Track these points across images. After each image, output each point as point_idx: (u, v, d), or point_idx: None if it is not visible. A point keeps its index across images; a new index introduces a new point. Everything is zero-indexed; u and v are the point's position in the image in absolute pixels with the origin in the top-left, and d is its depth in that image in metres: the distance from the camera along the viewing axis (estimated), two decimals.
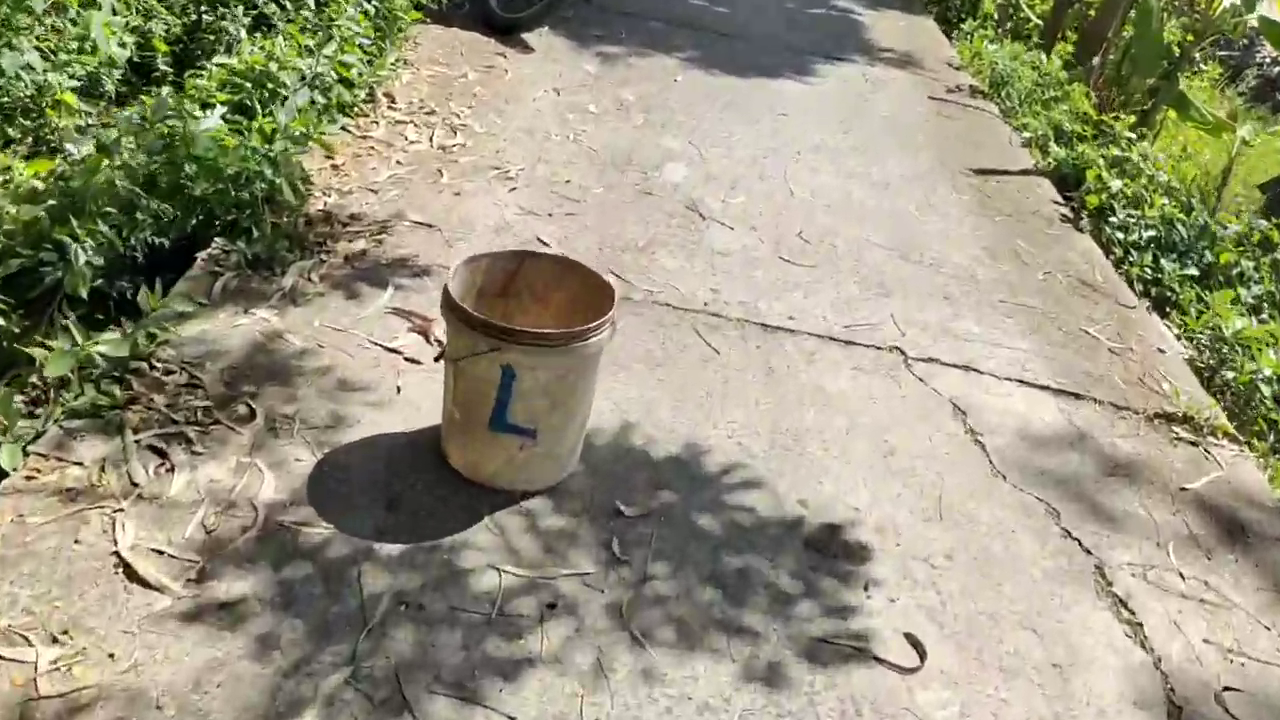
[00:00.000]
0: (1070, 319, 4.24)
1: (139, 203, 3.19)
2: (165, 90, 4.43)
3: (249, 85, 4.39)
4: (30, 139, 3.85)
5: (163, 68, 4.71)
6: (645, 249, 4.09)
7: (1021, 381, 3.72)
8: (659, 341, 3.51)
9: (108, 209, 3.12)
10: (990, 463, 3.26)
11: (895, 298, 4.10)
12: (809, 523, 2.86)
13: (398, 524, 2.59)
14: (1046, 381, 3.75)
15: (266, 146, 3.61)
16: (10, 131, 3.82)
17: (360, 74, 4.84)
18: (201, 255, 3.45)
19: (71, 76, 4.05)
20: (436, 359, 2.74)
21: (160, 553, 2.39)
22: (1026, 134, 6.33)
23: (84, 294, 3.08)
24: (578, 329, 2.56)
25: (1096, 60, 7.21)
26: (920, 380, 3.59)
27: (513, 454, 2.69)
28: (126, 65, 4.46)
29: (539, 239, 3.99)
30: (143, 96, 4.40)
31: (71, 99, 3.88)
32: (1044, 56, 7.50)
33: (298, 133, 3.80)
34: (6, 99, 3.84)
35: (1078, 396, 3.70)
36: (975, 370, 3.72)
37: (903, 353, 3.73)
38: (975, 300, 4.22)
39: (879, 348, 3.74)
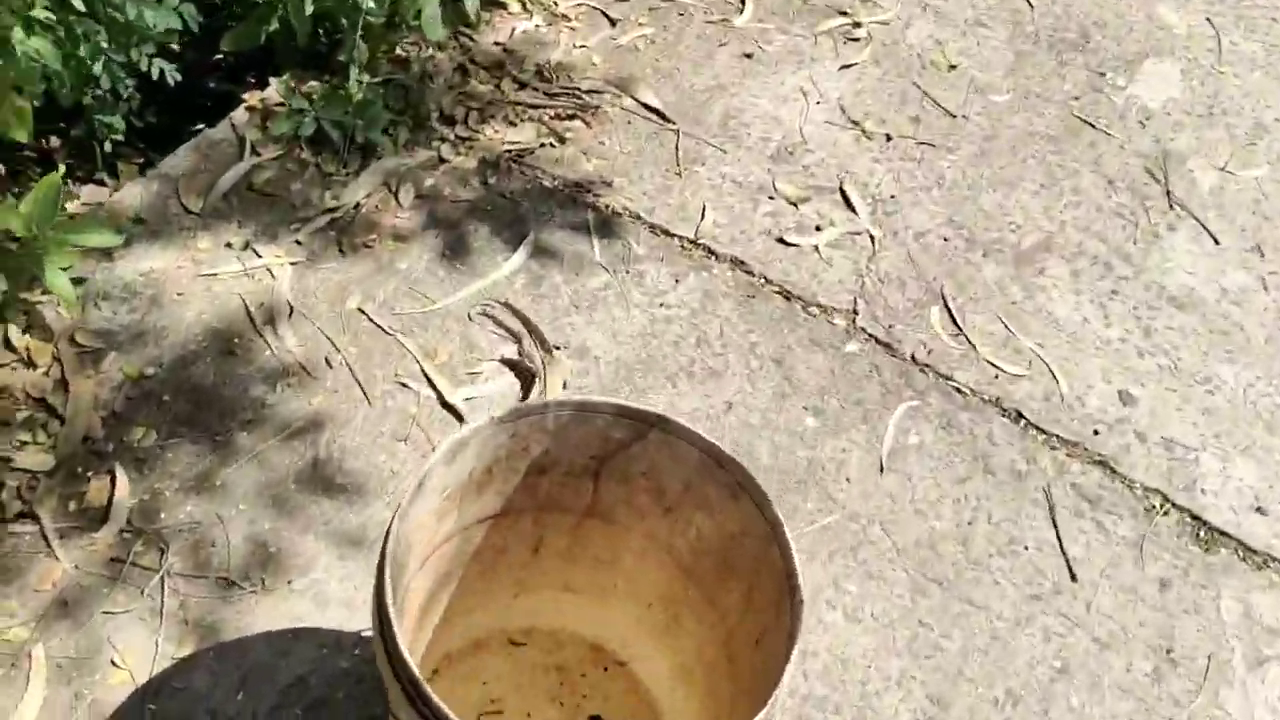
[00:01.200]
0: None
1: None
2: None
3: None
4: None
5: None
6: (1027, 256, 2.20)
7: None
8: (962, 512, 1.77)
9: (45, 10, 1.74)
10: None
11: None
12: None
13: None
14: None
15: None
16: None
17: None
18: (248, 102, 2.04)
19: None
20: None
21: None
22: None
23: (24, 138, 1.84)
24: None
25: None
26: None
27: None
28: None
29: (841, 188, 2.22)
30: None
31: None
32: None
33: None
34: None
35: None
36: None
37: None
38: None
39: None
